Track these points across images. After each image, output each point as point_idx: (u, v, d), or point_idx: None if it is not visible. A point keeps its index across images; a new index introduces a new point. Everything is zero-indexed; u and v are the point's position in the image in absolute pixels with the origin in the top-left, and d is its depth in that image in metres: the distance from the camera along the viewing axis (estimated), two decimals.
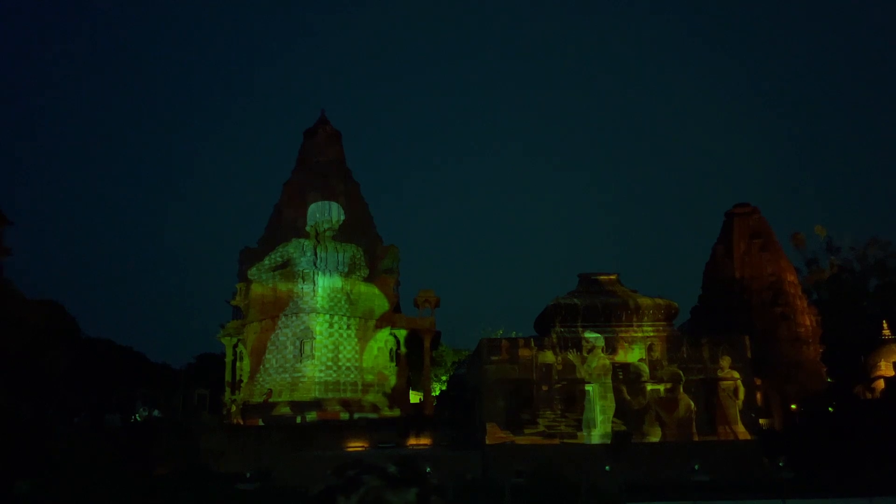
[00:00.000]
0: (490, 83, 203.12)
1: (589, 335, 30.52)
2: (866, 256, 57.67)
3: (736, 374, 30.99)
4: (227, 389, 47.79)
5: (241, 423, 42.43)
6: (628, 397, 30.27)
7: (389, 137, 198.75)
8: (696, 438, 29.72)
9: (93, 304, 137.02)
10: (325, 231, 43.88)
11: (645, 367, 31.06)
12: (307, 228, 43.94)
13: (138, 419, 39.91)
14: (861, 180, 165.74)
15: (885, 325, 46.26)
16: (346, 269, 43.99)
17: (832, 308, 53.71)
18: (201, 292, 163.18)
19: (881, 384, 41.04)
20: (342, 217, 44.47)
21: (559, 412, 30.21)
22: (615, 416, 29.92)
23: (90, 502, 22.47)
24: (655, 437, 29.84)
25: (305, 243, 43.63)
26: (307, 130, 53.10)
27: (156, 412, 42.89)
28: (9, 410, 34.82)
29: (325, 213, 43.77)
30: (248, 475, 26.32)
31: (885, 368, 43.06)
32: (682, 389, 30.06)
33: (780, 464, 27.33)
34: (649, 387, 30.77)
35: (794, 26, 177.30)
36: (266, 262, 43.97)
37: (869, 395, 41.65)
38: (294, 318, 43.74)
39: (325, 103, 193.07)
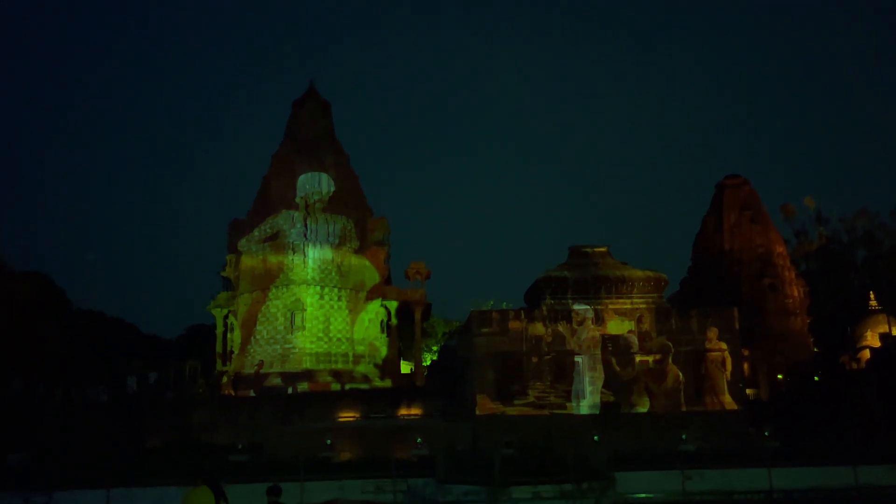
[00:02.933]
0: (480, 52, 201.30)
1: (578, 307, 30.70)
2: (855, 228, 58.00)
3: (723, 346, 31.29)
4: (219, 361, 47.93)
5: (233, 394, 42.65)
6: (617, 368, 30.55)
7: (380, 109, 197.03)
8: (683, 409, 30.07)
9: (82, 276, 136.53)
10: (315, 202, 43.67)
11: (634, 339, 31.31)
12: (297, 200, 43.69)
13: (134, 387, 39.93)
14: (851, 151, 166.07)
15: (871, 296, 46.76)
16: (337, 241, 43.93)
17: (820, 279, 54.16)
18: (191, 263, 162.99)
19: (867, 354, 41.60)
20: (332, 188, 44.24)
21: (549, 383, 30.49)
22: (604, 387, 30.21)
23: (82, 474, 22.61)
24: (644, 407, 30.18)
25: (295, 215, 43.46)
26: (296, 101, 52.56)
27: (153, 375, 42.93)
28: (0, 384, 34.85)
29: (315, 185, 43.51)
30: (239, 447, 26.46)
31: (871, 339, 43.62)
32: (670, 360, 30.32)
33: (766, 433, 27.70)
34: (638, 358, 31.04)
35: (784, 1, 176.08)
36: (256, 233, 43.84)
37: (855, 366, 42.23)
38: (284, 289, 43.73)
39: (314, 74, 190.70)
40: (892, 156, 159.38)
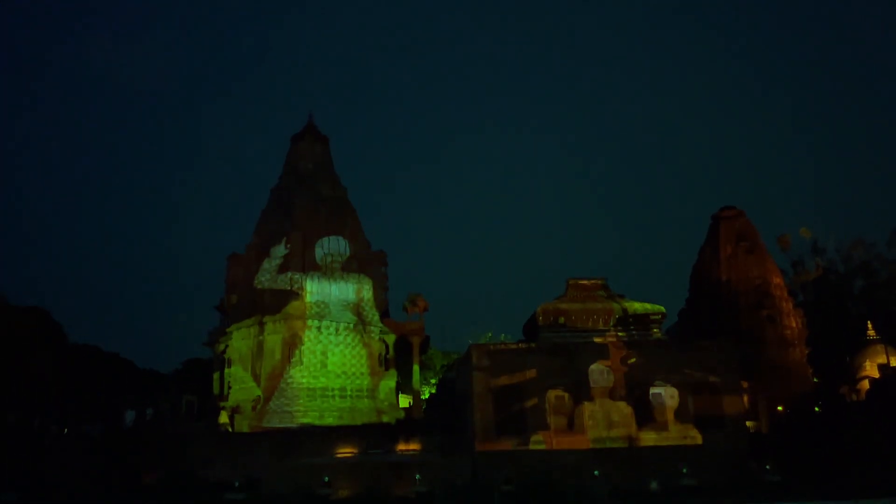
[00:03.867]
0: (476, 88, 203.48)
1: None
2: (851, 257, 58.12)
3: None
4: (215, 396, 47.59)
5: (230, 429, 42.26)
6: (618, 402, 30.37)
7: (378, 142, 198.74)
8: (686, 442, 29.82)
9: (79, 311, 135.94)
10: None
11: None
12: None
13: (131, 422, 39.63)
14: (847, 182, 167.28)
15: (869, 326, 46.68)
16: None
17: (818, 309, 54.08)
18: (189, 298, 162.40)
19: (866, 385, 41.41)
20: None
21: (548, 417, 30.28)
22: (604, 420, 29.99)
23: None
24: (645, 441, 29.94)
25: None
26: (294, 136, 53.03)
27: (150, 410, 42.59)
28: None
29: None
30: (236, 484, 26.18)
31: (869, 369, 43.47)
32: (670, 394, 30.14)
33: (767, 467, 27.49)
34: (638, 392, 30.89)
35: (778, 31, 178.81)
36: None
37: (854, 397, 42.01)
38: (282, 324, 43.59)
39: (313, 108, 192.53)
40: (887, 186, 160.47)
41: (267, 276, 42.85)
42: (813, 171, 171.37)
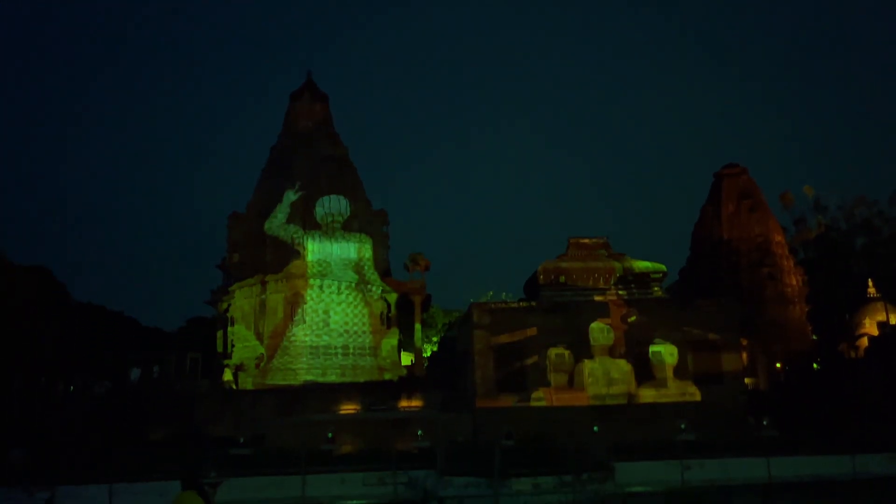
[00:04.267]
0: (479, 45, 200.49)
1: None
2: (853, 215, 57.94)
3: None
4: (219, 354, 48.06)
5: (234, 387, 42.77)
6: (617, 359, 30.60)
7: (377, 100, 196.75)
8: (685, 399, 30.10)
9: (82, 270, 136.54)
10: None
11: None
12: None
13: (137, 379, 40.12)
14: (850, 139, 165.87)
15: (870, 284, 46.84)
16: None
17: (819, 267, 54.18)
18: (191, 256, 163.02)
19: (865, 342, 41.73)
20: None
21: (548, 374, 30.56)
22: (604, 377, 30.25)
23: (84, 469, 22.73)
24: (644, 398, 30.25)
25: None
26: (293, 93, 52.55)
27: (156, 368, 43.05)
28: (1, 378, 34.94)
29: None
30: (241, 440, 26.54)
31: (869, 327, 43.76)
32: (669, 351, 30.34)
33: (765, 423, 27.82)
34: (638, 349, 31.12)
35: None
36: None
37: (853, 354, 42.36)
38: (284, 283, 43.75)
39: (312, 66, 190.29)
40: (890, 143, 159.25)
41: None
42: (816, 129, 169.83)
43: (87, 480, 21.67)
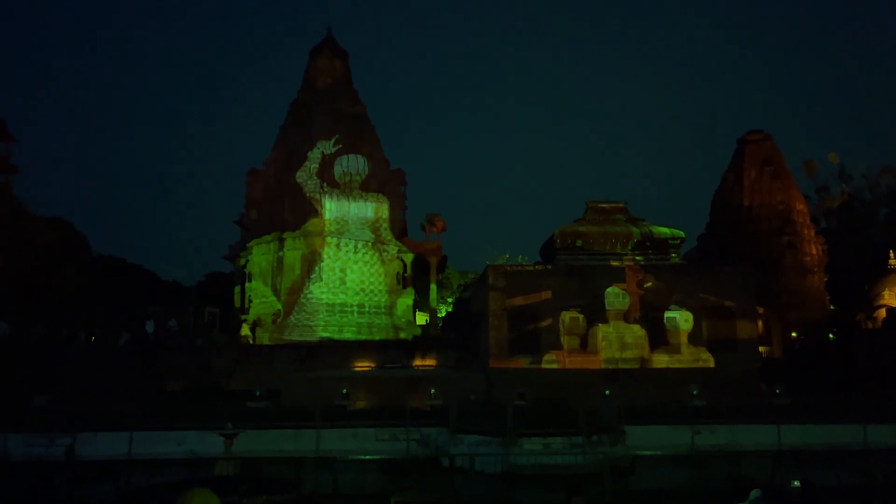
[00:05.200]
0: (504, 7, 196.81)
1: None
2: (878, 185, 56.89)
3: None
4: (236, 309, 48.64)
5: (251, 341, 43.39)
6: (632, 324, 30.61)
7: (397, 58, 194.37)
8: (698, 365, 30.11)
9: (103, 223, 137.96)
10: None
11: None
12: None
13: (151, 331, 40.77)
14: (877, 107, 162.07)
15: (891, 255, 46.18)
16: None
17: (840, 236, 53.46)
18: (210, 211, 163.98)
19: (883, 313, 41.35)
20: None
21: (562, 337, 30.67)
22: (617, 341, 30.31)
23: (104, 417, 23.26)
24: (657, 363, 30.32)
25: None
26: (313, 49, 52.07)
27: (173, 322, 43.71)
28: (23, 328, 35.62)
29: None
30: (257, 393, 27.02)
31: (888, 298, 43.32)
32: (684, 318, 30.27)
33: (777, 390, 27.81)
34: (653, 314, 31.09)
35: None
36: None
37: (871, 325, 42.04)
38: (301, 240, 43.99)
39: (332, 21, 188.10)
40: None
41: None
42: (843, 96, 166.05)
43: (107, 428, 22.18)
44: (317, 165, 42.57)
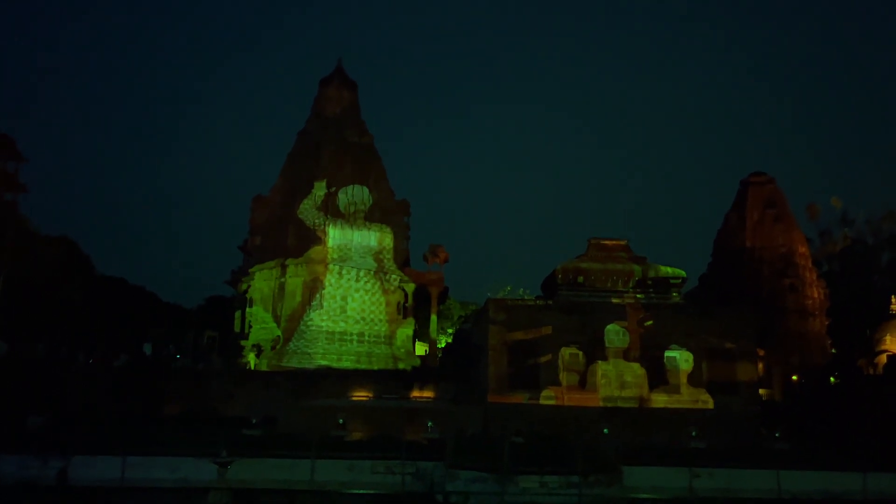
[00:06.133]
0: (508, 41, 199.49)
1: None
2: (881, 230, 57.01)
3: None
4: (236, 334, 48.57)
5: (250, 367, 43.26)
6: (631, 363, 30.53)
7: (405, 91, 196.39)
8: (698, 406, 29.94)
9: (107, 243, 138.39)
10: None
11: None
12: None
13: (149, 354, 40.70)
14: (880, 152, 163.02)
15: (893, 300, 46.11)
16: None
17: (842, 281, 53.46)
18: (214, 236, 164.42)
19: (884, 359, 41.15)
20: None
21: (560, 374, 30.57)
22: (616, 379, 30.20)
23: (100, 440, 23.13)
24: (656, 402, 30.18)
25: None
26: (323, 79, 52.74)
27: (170, 347, 43.71)
28: (23, 347, 35.61)
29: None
30: (253, 421, 26.89)
31: (889, 343, 43.14)
32: (684, 357, 30.18)
33: (777, 434, 27.64)
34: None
35: None
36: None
37: (872, 371, 41.83)
38: (304, 267, 44.08)
39: (343, 53, 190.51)
40: None
41: (305, 208, 43.46)
42: (846, 140, 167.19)
43: (102, 451, 22.04)
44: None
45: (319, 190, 43.27)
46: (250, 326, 47.06)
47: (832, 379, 43.07)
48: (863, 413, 32.55)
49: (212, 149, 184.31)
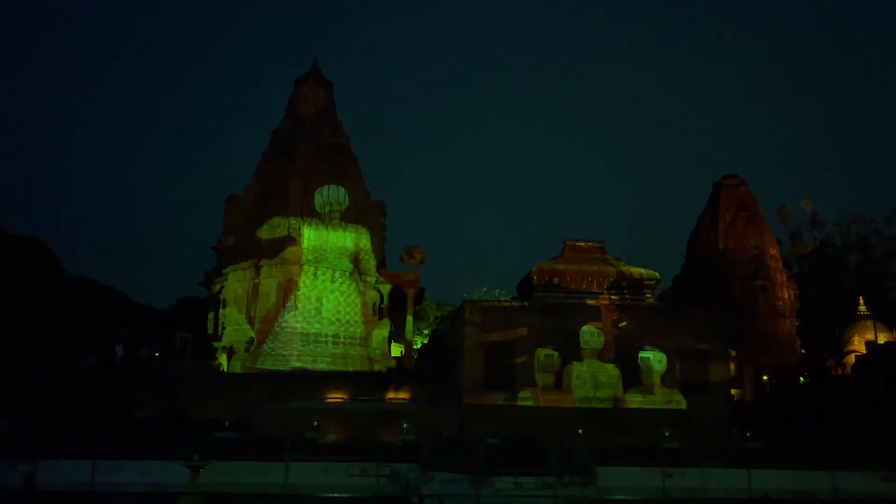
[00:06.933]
0: (484, 45, 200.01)
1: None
2: (849, 232, 58.10)
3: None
4: (209, 335, 48.05)
5: (223, 369, 42.83)
6: (606, 363, 30.70)
7: (381, 91, 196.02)
8: (671, 406, 30.16)
9: (76, 243, 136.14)
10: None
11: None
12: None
13: (121, 355, 40.08)
14: (850, 155, 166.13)
15: (861, 301, 47.03)
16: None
17: (811, 282, 54.40)
18: (187, 236, 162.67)
19: (852, 360, 41.92)
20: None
21: (536, 375, 30.63)
22: (591, 380, 30.34)
23: (69, 443, 22.74)
24: (630, 403, 30.36)
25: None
26: (298, 78, 52.41)
27: (146, 349, 43.10)
28: None
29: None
30: (226, 424, 26.56)
31: (857, 344, 43.97)
32: (658, 358, 30.41)
33: (748, 434, 27.96)
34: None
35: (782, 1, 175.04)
36: (274, 231, 43.78)
37: (840, 371, 42.58)
38: (278, 268, 43.76)
39: (318, 52, 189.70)
40: (889, 161, 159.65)
41: (266, 230, 43.49)
42: (817, 144, 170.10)
43: (71, 455, 21.67)
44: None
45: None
46: (223, 328, 46.58)
47: (802, 379, 43.82)
48: (832, 412, 33.13)
49: (185, 148, 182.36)
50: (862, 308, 46.45)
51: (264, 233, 43.67)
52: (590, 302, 32.71)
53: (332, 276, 42.91)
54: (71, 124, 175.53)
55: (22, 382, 31.41)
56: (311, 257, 42.65)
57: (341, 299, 42.89)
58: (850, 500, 22.02)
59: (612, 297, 33.52)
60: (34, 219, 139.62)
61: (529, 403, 29.63)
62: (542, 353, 30.68)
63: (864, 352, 40.82)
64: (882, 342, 36.58)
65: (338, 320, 42.44)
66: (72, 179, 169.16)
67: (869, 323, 43.91)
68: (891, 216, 57.23)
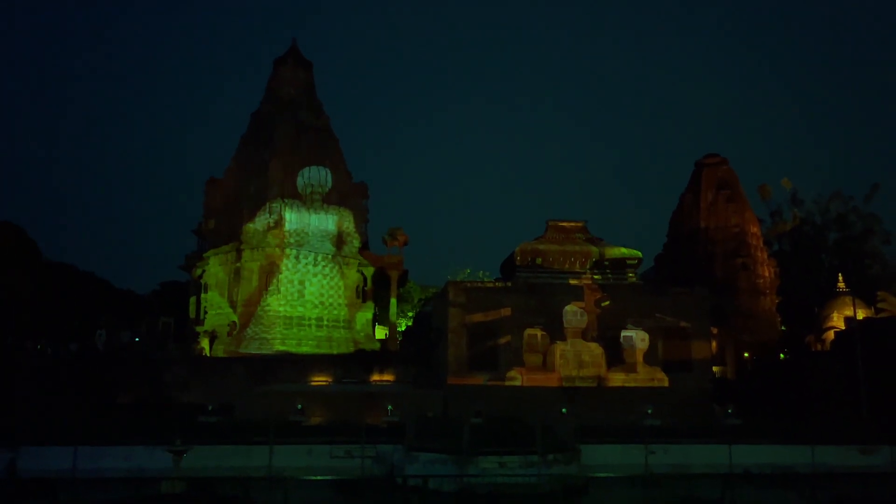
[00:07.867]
0: (465, 24, 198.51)
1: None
2: (828, 210, 58.56)
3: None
4: (191, 320, 47.72)
5: (206, 354, 42.58)
6: (589, 342, 30.85)
7: (361, 72, 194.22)
8: (653, 384, 30.40)
9: (55, 229, 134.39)
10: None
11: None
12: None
13: (103, 342, 39.70)
14: (830, 134, 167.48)
15: (840, 278, 47.47)
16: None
17: (792, 260, 54.86)
18: (167, 220, 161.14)
19: (831, 336, 42.39)
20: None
21: (520, 355, 30.74)
22: (575, 359, 30.49)
23: (50, 430, 22.55)
24: (613, 381, 30.57)
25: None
26: (277, 59, 51.74)
27: (126, 333, 42.70)
28: None
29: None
30: (210, 408, 26.47)
31: (836, 320, 44.41)
32: (640, 337, 30.60)
33: (730, 410, 28.31)
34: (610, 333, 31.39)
35: None
36: (259, 227, 43.34)
37: (819, 347, 43.07)
38: (260, 251, 43.44)
39: (297, 32, 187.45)
40: (868, 139, 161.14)
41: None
42: (797, 123, 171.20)
43: (52, 442, 21.50)
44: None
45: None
46: (205, 312, 46.27)
47: (782, 355, 44.25)
48: (811, 388, 33.53)
49: (164, 130, 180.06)
50: (841, 285, 46.90)
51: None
52: (572, 282, 32.81)
53: (315, 259, 42.68)
54: (49, 109, 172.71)
55: (2, 369, 31.03)
56: (293, 240, 42.36)
57: (324, 282, 42.71)
58: (829, 473, 22.37)
59: (595, 276, 33.64)
60: (11, 205, 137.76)
61: (517, 383, 29.75)
62: (528, 333, 30.77)
63: (843, 328, 41.26)
64: (860, 318, 36.97)
65: (321, 303, 42.29)
66: (50, 165, 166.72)
67: (848, 299, 44.33)
68: (870, 194, 57.76)
